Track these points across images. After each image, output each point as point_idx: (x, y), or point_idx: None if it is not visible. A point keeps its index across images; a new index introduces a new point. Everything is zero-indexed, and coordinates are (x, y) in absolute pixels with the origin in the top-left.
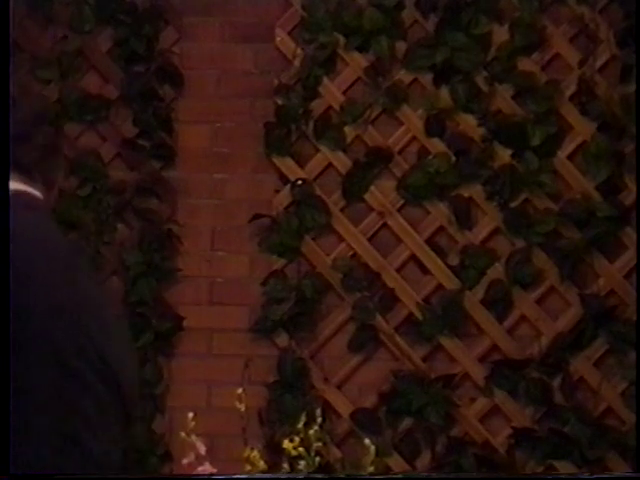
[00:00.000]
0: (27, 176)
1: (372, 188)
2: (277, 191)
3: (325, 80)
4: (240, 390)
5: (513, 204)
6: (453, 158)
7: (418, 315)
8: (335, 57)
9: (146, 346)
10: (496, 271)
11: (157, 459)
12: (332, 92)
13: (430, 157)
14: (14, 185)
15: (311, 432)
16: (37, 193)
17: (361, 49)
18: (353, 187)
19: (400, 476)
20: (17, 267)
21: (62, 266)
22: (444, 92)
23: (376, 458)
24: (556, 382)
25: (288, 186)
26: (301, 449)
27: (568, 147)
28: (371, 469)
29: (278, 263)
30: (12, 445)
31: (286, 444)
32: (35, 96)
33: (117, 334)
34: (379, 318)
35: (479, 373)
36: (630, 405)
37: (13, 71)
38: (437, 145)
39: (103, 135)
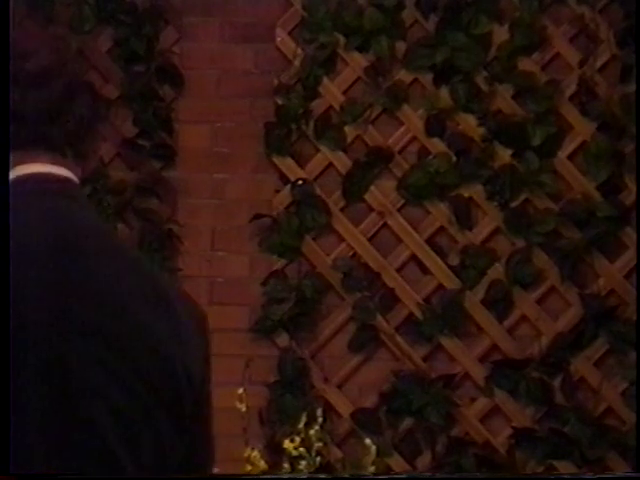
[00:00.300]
0: (58, 152)
1: (372, 188)
2: (277, 191)
3: (325, 80)
4: (241, 390)
5: (513, 204)
6: (453, 158)
7: (418, 315)
8: (335, 57)
9: None
10: (496, 271)
11: None
12: (332, 92)
13: (430, 157)
14: (43, 167)
15: (312, 432)
16: (68, 174)
17: (361, 49)
18: (353, 187)
19: (404, 476)
20: (44, 254)
21: (92, 255)
22: (444, 92)
23: (377, 458)
24: (556, 382)
25: (288, 186)
26: (302, 449)
27: (568, 147)
28: (372, 469)
29: (278, 263)
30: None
31: (287, 444)
32: (71, 65)
33: (165, 334)
34: (379, 318)
35: (479, 373)
36: (630, 405)
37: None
38: (437, 145)
39: (103, 135)
